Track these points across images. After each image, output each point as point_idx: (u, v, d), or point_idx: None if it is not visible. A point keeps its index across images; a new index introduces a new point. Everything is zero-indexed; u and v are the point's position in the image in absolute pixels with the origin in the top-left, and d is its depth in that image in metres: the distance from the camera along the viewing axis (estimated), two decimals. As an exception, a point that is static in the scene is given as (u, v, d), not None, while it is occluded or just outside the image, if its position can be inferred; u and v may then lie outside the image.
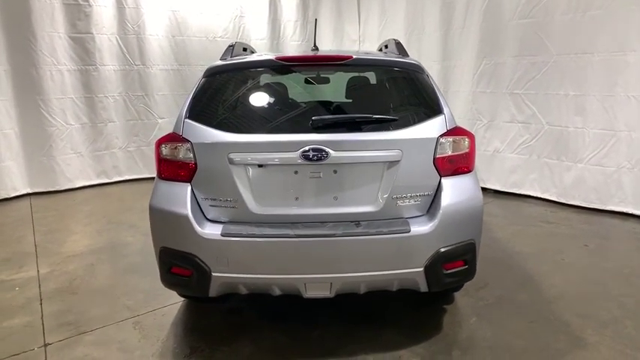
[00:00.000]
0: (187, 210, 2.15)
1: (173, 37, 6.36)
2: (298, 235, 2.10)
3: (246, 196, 2.17)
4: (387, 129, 2.18)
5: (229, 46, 2.73)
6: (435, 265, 2.19)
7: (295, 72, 2.47)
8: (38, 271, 3.58)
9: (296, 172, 2.16)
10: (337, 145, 2.11)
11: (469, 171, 2.32)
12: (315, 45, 2.85)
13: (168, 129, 6.44)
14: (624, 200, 4.39)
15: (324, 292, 2.21)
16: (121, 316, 2.87)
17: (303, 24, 7.51)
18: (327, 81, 2.65)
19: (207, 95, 2.40)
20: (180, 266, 2.26)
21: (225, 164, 2.16)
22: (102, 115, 6.06)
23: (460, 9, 5.59)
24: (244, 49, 3.17)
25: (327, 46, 7.73)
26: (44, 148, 5.70)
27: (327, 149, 2.09)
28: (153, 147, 6.24)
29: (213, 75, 2.47)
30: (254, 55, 2.74)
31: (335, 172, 2.16)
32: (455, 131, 2.26)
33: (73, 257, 3.81)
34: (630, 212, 4.36)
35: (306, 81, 2.65)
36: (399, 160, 2.16)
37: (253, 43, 6.95)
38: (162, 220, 2.24)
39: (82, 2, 5.67)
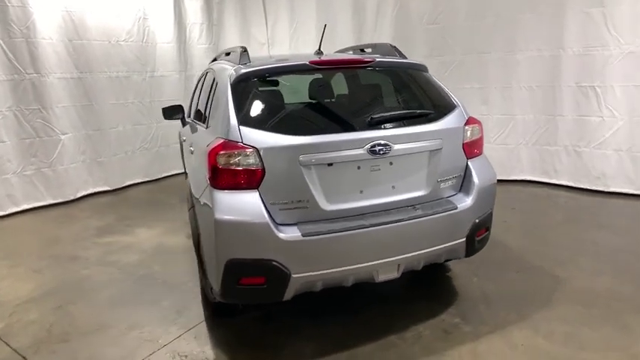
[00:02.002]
0: (265, 217, 2.13)
1: (70, 41, 5.59)
2: (372, 224, 2.26)
3: (317, 195, 2.24)
4: (428, 122, 2.49)
5: (243, 50, 2.70)
6: (472, 234, 2.58)
7: (326, 74, 2.59)
8: (-12, 328, 2.95)
9: (359, 167, 2.31)
10: (396, 139, 2.33)
11: (481, 153, 2.76)
12: (319, 49, 2.99)
13: (74, 146, 5.71)
14: (523, 170, 5.48)
15: (393, 274, 2.42)
16: (147, 351, 2.60)
17: (209, 27, 7.31)
18: (353, 82, 2.81)
19: (251, 101, 2.37)
20: (252, 275, 2.21)
21: (296, 166, 2.19)
22: (-12, 136, 5.06)
23: (371, 15, 6.17)
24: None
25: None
26: None
27: (390, 143, 2.30)
28: (56, 168, 5.48)
29: (249, 80, 2.44)
30: (284, 59, 2.74)
31: (391, 163, 2.37)
32: (471, 120, 2.68)
33: (26, 304, 3.21)
34: (528, 179, 5.47)
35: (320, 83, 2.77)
36: (440, 148, 2.48)
37: (160, 47, 6.57)
38: (233, 231, 2.15)
39: (-52, -1, 4.65)
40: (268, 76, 2.51)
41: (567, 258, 3.49)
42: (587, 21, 4.65)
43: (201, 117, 3.26)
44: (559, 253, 3.59)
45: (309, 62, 2.50)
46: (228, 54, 3.30)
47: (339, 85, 2.67)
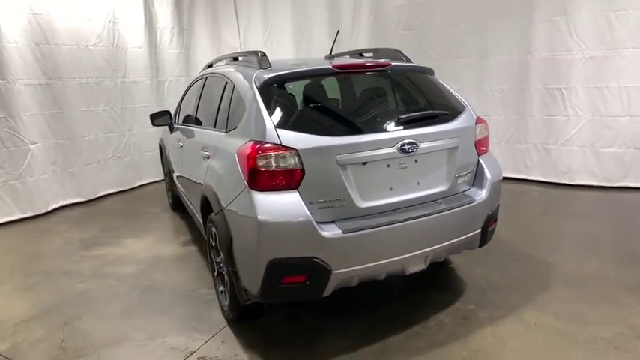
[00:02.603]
0: (308, 216, 2.18)
1: (37, 46, 5.29)
2: (405, 219, 2.38)
3: (352, 193, 2.32)
4: (446, 121, 2.64)
5: (263, 55, 2.74)
6: (486, 225, 2.77)
7: (348, 78, 2.69)
8: (-10, 349, 2.77)
9: (388, 166, 2.42)
10: (422, 138, 2.46)
11: (487, 150, 2.97)
12: (330, 53, 3.08)
13: (44, 156, 5.43)
14: (496, 167, 5.84)
15: (421, 266, 2.54)
16: (177, 358, 2.55)
17: (180, 31, 7.16)
18: (372, 85, 2.91)
19: (282, 104, 2.42)
20: (293, 274, 2.25)
21: (334, 166, 2.27)
22: (-50, 147, 4.69)
23: (347, 21, 6.34)
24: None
25: (207, 54, 7.57)
26: None
27: (417, 142, 2.43)
28: (25, 180, 5.17)
29: (275, 83, 2.49)
30: (302, 63, 2.80)
31: (416, 161, 2.50)
32: (479, 120, 2.87)
33: (27, 323, 3.02)
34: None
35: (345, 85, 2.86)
36: (457, 146, 2.64)
37: (131, 52, 6.37)
38: (276, 231, 2.18)
39: None
40: (294, 80, 2.57)
41: (553, 245, 3.80)
42: (553, 28, 5.08)
43: (208, 122, 3.25)
44: (545, 241, 3.89)
45: (333, 66, 2.59)
46: (235, 59, 3.31)
47: (360, 87, 2.77)
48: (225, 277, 2.73)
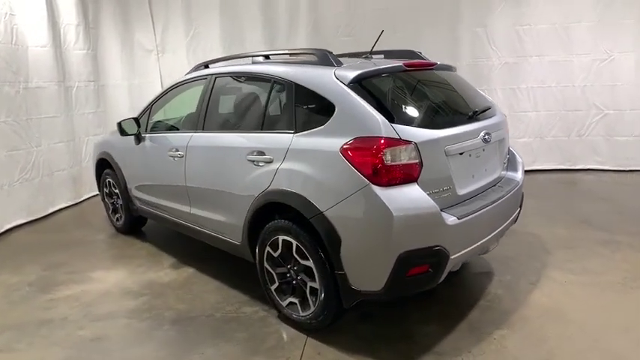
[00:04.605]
0: (436, 206, 2.25)
1: None
2: (492, 201, 2.62)
3: (455, 181, 2.45)
4: (493, 115, 2.97)
5: (331, 52, 2.69)
6: (521, 203, 3.19)
7: (416, 74, 2.83)
8: None
9: (470, 155, 2.62)
10: (492, 128, 2.73)
11: None
12: (371, 52, 3.13)
13: None
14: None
15: (495, 244, 2.81)
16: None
17: (86, 29, 6.19)
18: (436, 81, 3.01)
19: (381, 99, 2.43)
20: (420, 264, 2.29)
21: (443, 157, 2.37)
22: None
23: (284, 26, 6.35)
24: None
25: (119, 57, 6.71)
26: None
27: (491, 132, 2.70)
28: None
29: (361, 81, 2.48)
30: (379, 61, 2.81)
31: (484, 150, 2.75)
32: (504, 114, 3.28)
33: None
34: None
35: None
36: (504, 137, 3.00)
37: (32, 52, 5.31)
38: (409, 224, 2.17)
39: None
40: (375, 77, 2.58)
41: (525, 221, 4.41)
42: (475, 38, 5.95)
43: (245, 125, 3.03)
44: (532, 219, 4.42)
45: (404, 64, 2.70)
46: (267, 57, 3.12)
47: (427, 84, 2.89)
48: (311, 285, 2.58)
